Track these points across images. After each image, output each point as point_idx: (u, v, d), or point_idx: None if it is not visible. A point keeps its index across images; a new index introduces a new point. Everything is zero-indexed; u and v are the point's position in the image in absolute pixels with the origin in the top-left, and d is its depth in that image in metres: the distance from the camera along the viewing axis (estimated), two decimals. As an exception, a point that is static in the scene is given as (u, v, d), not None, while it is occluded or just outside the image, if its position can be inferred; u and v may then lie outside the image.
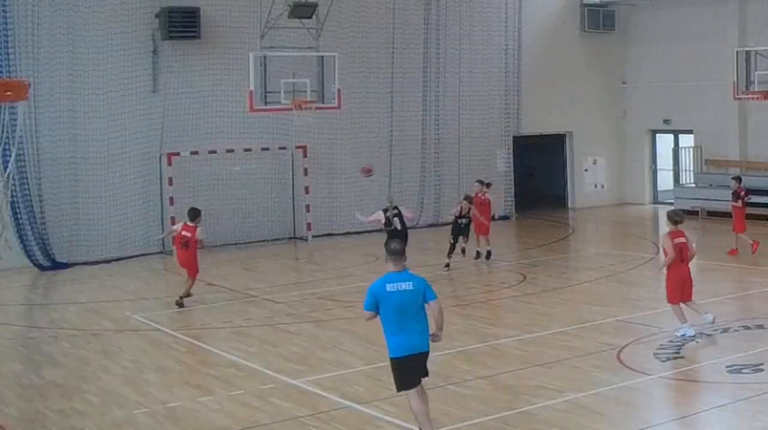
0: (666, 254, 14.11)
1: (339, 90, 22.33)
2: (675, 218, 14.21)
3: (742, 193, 21.93)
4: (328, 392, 11.96)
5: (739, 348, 13.35)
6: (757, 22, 27.37)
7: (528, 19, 29.49)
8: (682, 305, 14.18)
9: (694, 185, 29.54)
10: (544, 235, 26.23)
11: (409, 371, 9.66)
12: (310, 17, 22.12)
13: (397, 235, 17.86)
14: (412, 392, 9.73)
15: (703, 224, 27.15)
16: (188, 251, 17.54)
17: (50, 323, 17.09)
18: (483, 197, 21.37)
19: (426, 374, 9.87)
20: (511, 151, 29.59)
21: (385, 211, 19.10)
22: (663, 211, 29.52)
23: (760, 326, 14.64)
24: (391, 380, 9.91)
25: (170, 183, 23.96)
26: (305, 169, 25.71)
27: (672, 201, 29.67)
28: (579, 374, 12.36)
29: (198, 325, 16.19)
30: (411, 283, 9.71)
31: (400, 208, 19.40)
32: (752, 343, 13.61)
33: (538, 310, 16.59)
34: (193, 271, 17.60)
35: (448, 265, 20.37)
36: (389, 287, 9.63)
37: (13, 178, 20.34)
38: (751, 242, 21.44)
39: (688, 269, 14.27)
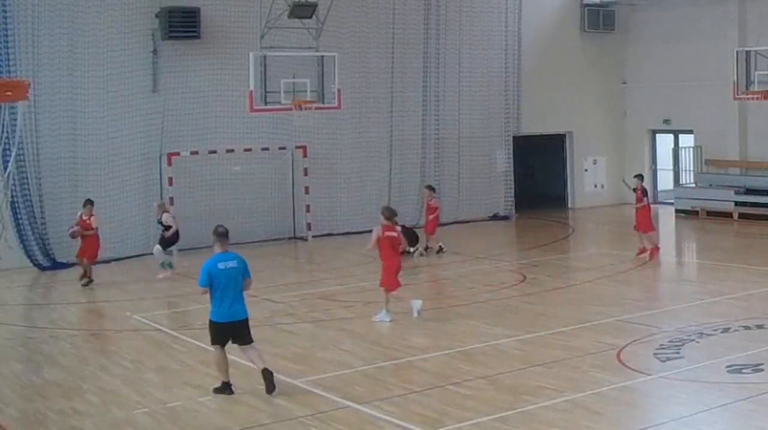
0: (373, 241, 15.58)
1: (339, 90, 22.33)
2: (389, 213, 15.82)
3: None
4: (328, 392, 11.96)
5: (739, 348, 13.36)
6: (757, 22, 27.39)
7: (528, 19, 29.48)
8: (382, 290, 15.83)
9: (694, 185, 29.55)
10: (544, 235, 26.22)
11: (225, 333, 11.84)
12: (310, 17, 22.12)
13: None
14: (221, 347, 11.89)
15: (703, 224, 27.20)
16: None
17: (50, 323, 17.09)
18: (431, 202, 22.91)
19: (251, 339, 11.96)
20: (511, 151, 29.58)
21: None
22: (663, 212, 29.73)
23: (760, 326, 14.64)
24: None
25: (170, 183, 23.96)
26: (305, 169, 25.71)
27: (672, 201, 29.71)
28: (579, 374, 12.37)
29: (198, 325, 16.16)
30: (235, 261, 11.84)
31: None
32: (752, 343, 13.62)
33: (538, 310, 16.59)
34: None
35: (411, 251, 22.14)
36: (220, 265, 11.72)
37: (13, 178, 20.34)
38: (651, 247, 21.29)
39: (399, 260, 15.92)
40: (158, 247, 20.53)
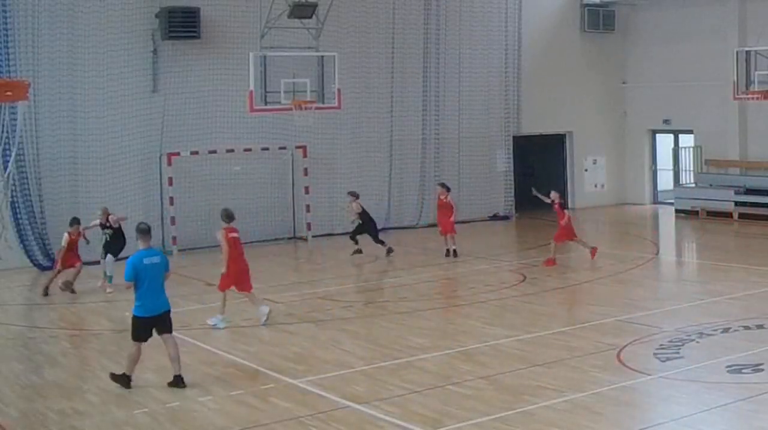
0: (223, 247, 15.54)
1: (339, 90, 22.33)
2: (228, 215, 15.71)
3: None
4: (328, 392, 11.97)
5: (739, 348, 13.36)
6: (757, 22, 27.36)
7: (528, 19, 29.49)
8: (245, 295, 15.87)
9: (694, 185, 29.55)
10: (544, 235, 26.14)
11: (147, 328, 12.35)
12: (310, 17, 22.12)
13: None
14: (140, 344, 12.38)
15: (703, 224, 27.19)
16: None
17: (50, 323, 17.10)
18: (445, 200, 22.21)
19: (170, 329, 12.53)
20: (511, 151, 29.58)
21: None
22: (663, 211, 29.77)
23: (760, 326, 14.64)
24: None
25: (170, 183, 23.97)
26: (305, 169, 25.71)
27: (672, 201, 29.71)
28: (579, 374, 12.37)
29: (198, 325, 16.18)
30: (158, 257, 12.46)
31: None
32: (752, 343, 13.62)
33: (538, 310, 16.59)
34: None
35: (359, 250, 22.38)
36: (146, 261, 12.27)
37: (13, 178, 20.31)
38: (552, 257, 20.90)
39: (245, 260, 15.78)
40: (111, 256, 19.57)
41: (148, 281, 12.21)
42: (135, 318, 12.40)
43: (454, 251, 22.00)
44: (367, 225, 22.63)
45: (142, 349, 12.45)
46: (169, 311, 12.55)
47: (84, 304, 18.51)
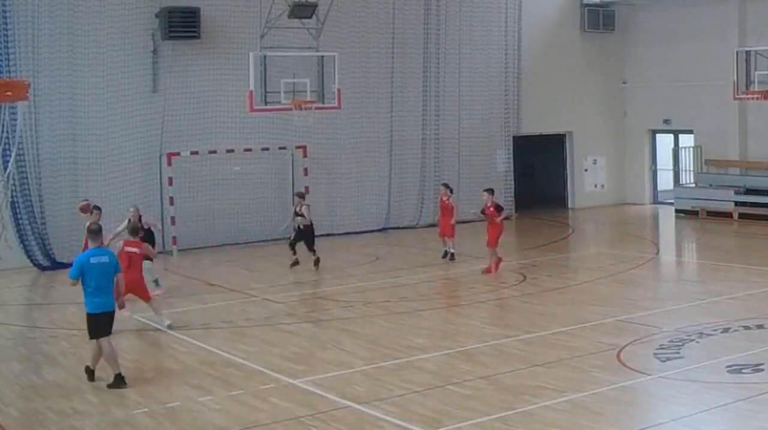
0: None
1: (339, 90, 22.33)
2: (131, 229, 16.35)
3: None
4: (328, 392, 11.97)
5: (739, 348, 13.36)
6: (757, 22, 27.39)
7: (528, 19, 29.48)
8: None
9: (694, 185, 29.55)
10: (544, 235, 26.22)
11: (102, 324, 12.48)
12: (310, 17, 22.12)
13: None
14: (105, 339, 12.53)
15: (703, 224, 27.19)
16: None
17: (50, 323, 17.09)
18: (447, 202, 21.72)
19: (110, 331, 12.65)
20: (511, 151, 29.58)
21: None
22: (663, 212, 29.77)
23: (760, 326, 14.64)
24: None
25: (170, 183, 23.96)
26: (305, 169, 25.71)
27: (672, 201, 29.72)
28: (579, 374, 12.37)
29: (198, 325, 16.20)
30: (107, 257, 12.57)
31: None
32: (752, 343, 13.62)
33: (538, 310, 16.59)
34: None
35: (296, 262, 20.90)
36: (92, 260, 12.38)
37: (13, 178, 20.32)
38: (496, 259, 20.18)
39: (136, 275, 15.54)
40: (148, 262, 17.55)
41: (95, 279, 12.32)
42: (89, 316, 12.51)
43: (452, 254, 21.77)
44: (309, 230, 21.18)
45: (113, 344, 12.59)
46: (113, 313, 12.67)
47: (84, 304, 18.47)
